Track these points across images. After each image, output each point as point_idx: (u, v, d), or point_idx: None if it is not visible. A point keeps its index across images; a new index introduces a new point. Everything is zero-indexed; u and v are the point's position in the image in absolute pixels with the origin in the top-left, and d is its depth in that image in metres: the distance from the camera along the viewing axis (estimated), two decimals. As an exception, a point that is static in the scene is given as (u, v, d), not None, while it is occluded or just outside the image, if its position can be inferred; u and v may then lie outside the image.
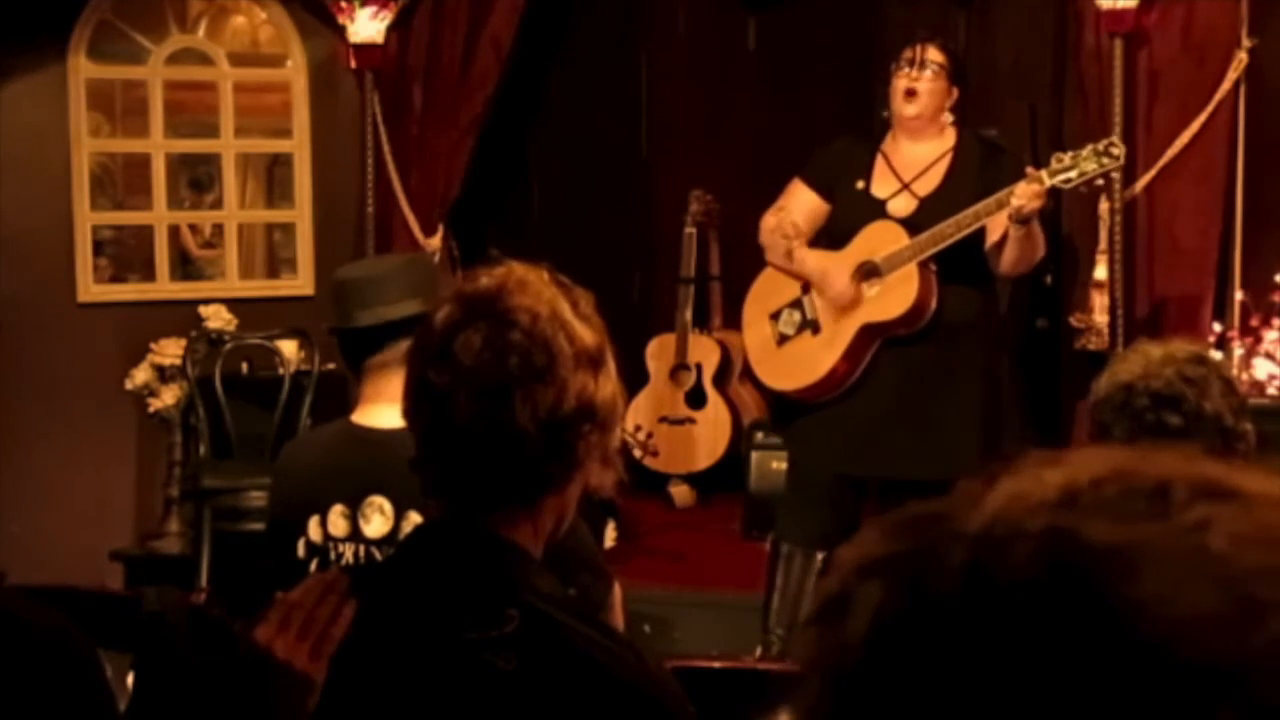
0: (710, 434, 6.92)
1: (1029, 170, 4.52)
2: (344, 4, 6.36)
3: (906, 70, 4.78)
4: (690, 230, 6.98)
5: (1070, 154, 4.57)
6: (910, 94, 4.76)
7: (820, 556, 4.84)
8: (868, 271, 4.74)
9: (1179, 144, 5.68)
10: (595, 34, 7.41)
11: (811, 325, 4.86)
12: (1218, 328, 5.54)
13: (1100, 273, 5.84)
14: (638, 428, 6.76)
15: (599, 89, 7.47)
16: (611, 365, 1.91)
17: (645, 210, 7.52)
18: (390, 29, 6.39)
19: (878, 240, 4.73)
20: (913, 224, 4.68)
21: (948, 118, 4.82)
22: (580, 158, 7.45)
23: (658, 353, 7.00)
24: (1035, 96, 6.56)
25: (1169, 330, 5.37)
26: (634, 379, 6.74)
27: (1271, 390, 5.37)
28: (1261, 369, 5.41)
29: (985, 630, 0.64)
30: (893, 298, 4.69)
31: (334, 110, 6.68)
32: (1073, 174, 4.52)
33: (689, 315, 6.96)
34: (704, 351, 6.96)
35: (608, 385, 1.88)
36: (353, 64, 6.44)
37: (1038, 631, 0.63)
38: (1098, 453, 0.70)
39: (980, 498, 0.69)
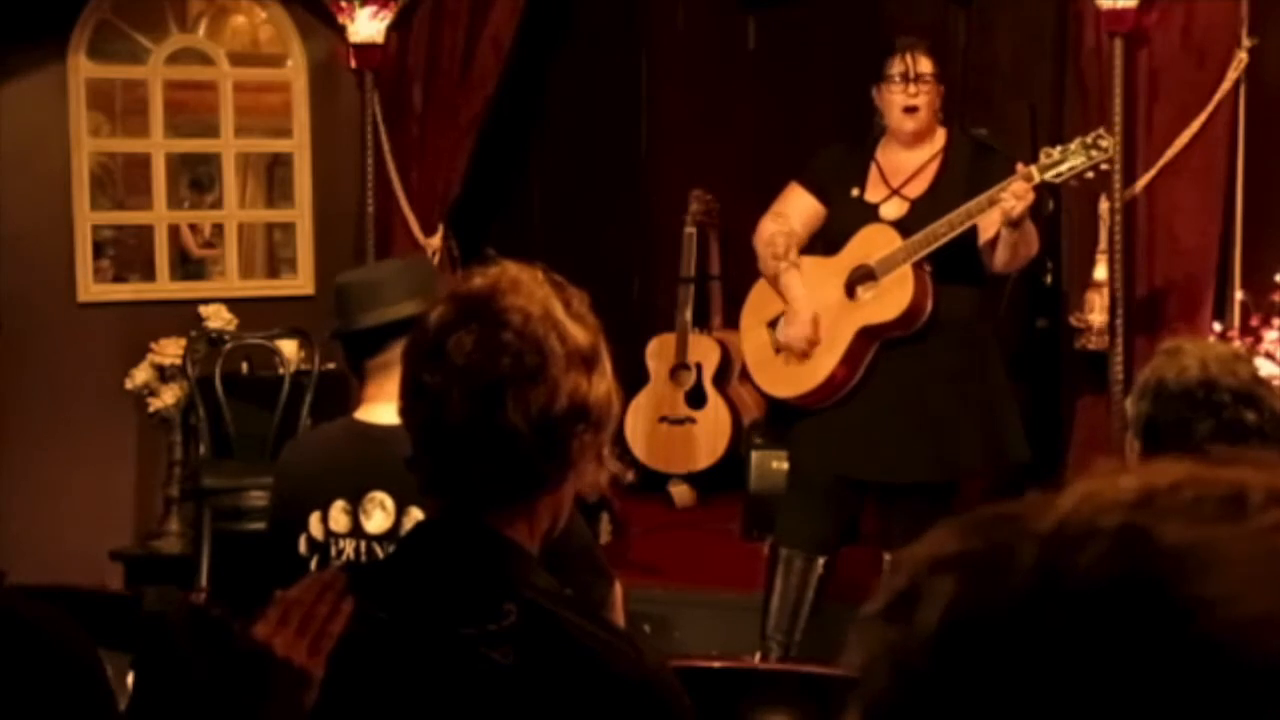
0: (710, 434, 6.91)
1: (1019, 167, 4.53)
2: (344, 4, 6.36)
3: (902, 86, 4.75)
4: (690, 230, 6.98)
5: (1059, 148, 4.58)
6: (910, 110, 4.76)
7: (822, 561, 4.84)
8: (862, 275, 4.76)
9: (1179, 144, 5.67)
10: (595, 34, 7.41)
11: None
12: (1218, 327, 5.53)
13: (1100, 273, 5.84)
14: (628, 452, 6.73)
15: (599, 89, 7.48)
16: (606, 364, 1.91)
17: (645, 210, 7.52)
18: (390, 29, 6.39)
19: (871, 244, 4.74)
20: (904, 227, 4.70)
21: (935, 124, 4.84)
22: (580, 158, 7.45)
23: (658, 352, 7.00)
24: (1035, 96, 6.57)
25: (1169, 331, 5.37)
26: (634, 379, 6.75)
27: (1272, 390, 5.37)
28: (1262, 369, 5.41)
29: (1056, 626, 0.65)
30: (889, 299, 4.69)
31: (334, 110, 6.68)
32: (1063, 168, 4.53)
33: (689, 315, 6.96)
34: (704, 351, 6.96)
35: (601, 385, 1.88)
36: (353, 64, 6.44)
37: (1107, 628, 0.64)
38: (1172, 461, 0.71)
39: (1053, 499, 0.70)
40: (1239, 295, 5.62)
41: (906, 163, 4.80)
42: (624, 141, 7.55)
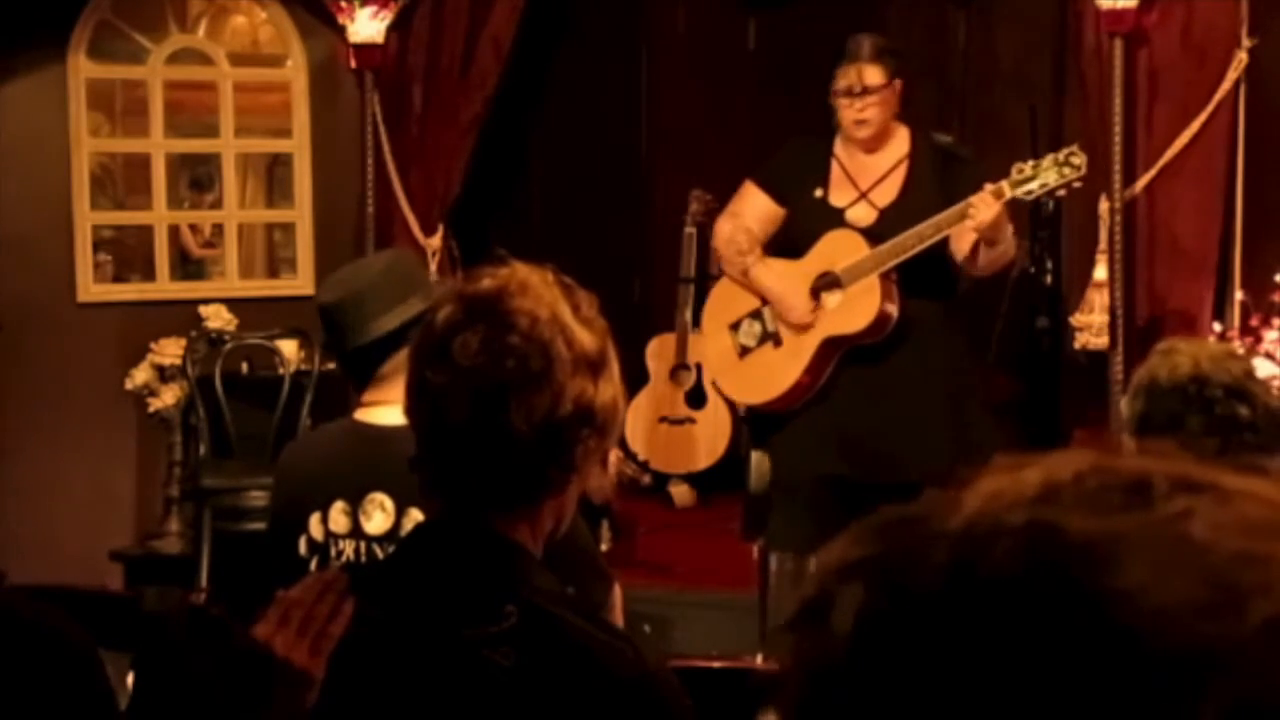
0: (710, 434, 6.91)
1: (988, 185, 4.49)
2: (344, 4, 6.36)
3: (848, 101, 4.69)
4: (690, 230, 6.97)
5: (1031, 164, 4.53)
6: (860, 123, 4.71)
7: (813, 561, 4.84)
8: (828, 282, 4.73)
9: (1179, 144, 5.67)
10: (595, 34, 7.41)
11: (773, 337, 4.85)
12: (1218, 327, 5.53)
13: (1100, 273, 5.84)
14: (635, 455, 6.73)
15: (599, 89, 7.48)
16: (614, 369, 1.90)
17: (645, 210, 7.52)
18: (390, 29, 6.39)
19: (837, 250, 4.70)
20: (873, 234, 4.65)
21: (895, 121, 4.76)
22: (580, 158, 7.45)
23: (658, 352, 7.00)
24: (1035, 96, 6.56)
25: (1169, 330, 5.38)
26: (634, 379, 6.75)
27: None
28: (1262, 369, 5.41)
29: (969, 625, 0.65)
30: (855, 310, 4.67)
31: (334, 110, 6.68)
32: (1033, 185, 4.49)
33: (689, 315, 6.95)
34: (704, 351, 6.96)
35: (608, 390, 1.87)
36: (353, 64, 6.44)
37: (1021, 624, 0.64)
38: (1072, 452, 0.71)
39: (957, 498, 0.69)
40: (1239, 295, 5.62)
41: (871, 165, 4.75)
42: (624, 141, 7.55)
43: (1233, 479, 0.68)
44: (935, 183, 4.64)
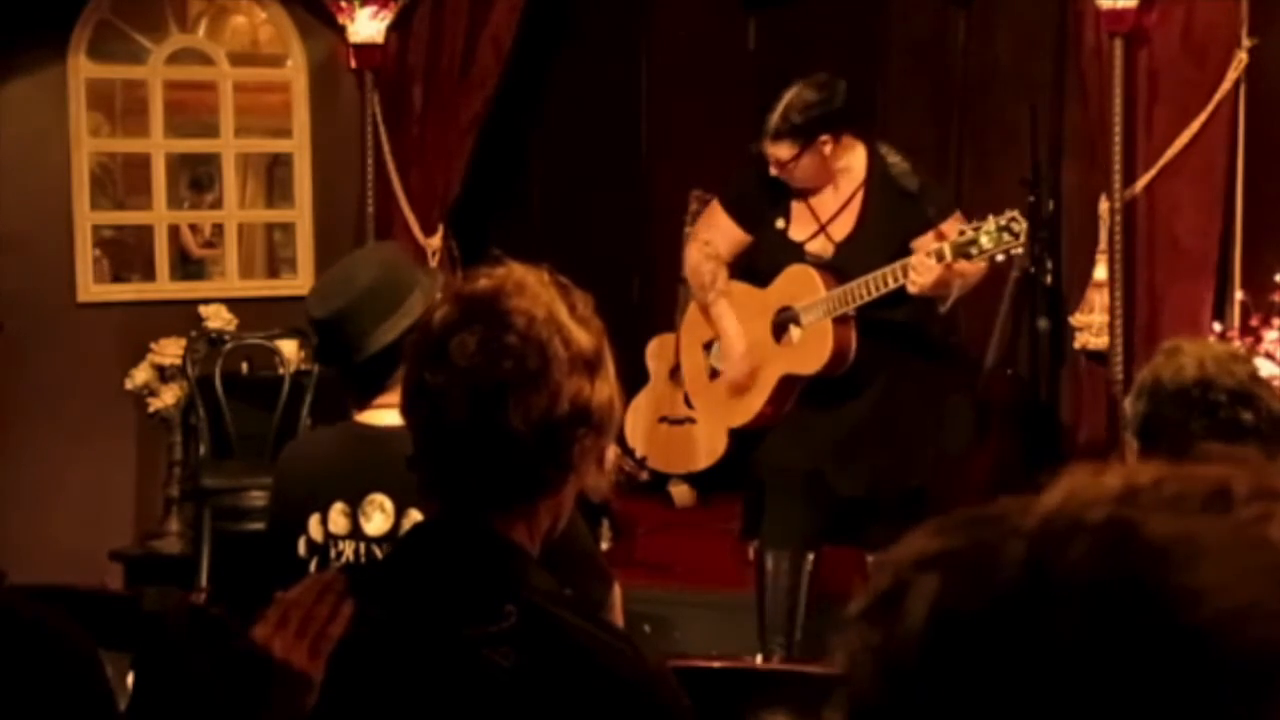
0: (710, 434, 6.91)
1: (931, 247, 4.53)
2: (344, 4, 6.36)
3: (774, 167, 4.76)
4: (690, 230, 6.97)
5: (974, 225, 4.56)
6: (788, 179, 4.78)
7: (810, 557, 4.87)
8: (788, 319, 4.87)
9: (1179, 144, 5.67)
10: (595, 34, 7.41)
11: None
12: (1218, 327, 5.53)
13: (1100, 273, 5.84)
14: (632, 451, 6.74)
15: (599, 89, 7.47)
16: (610, 369, 1.90)
17: (645, 210, 7.52)
18: (390, 29, 6.39)
19: (796, 287, 4.83)
20: (832, 267, 4.78)
21: (842, 149, 4.78)
22: (580, 158, 7.45)
23: (658, 353, 7.00)
24: (1035, 96, 6.56)
25: (1169, 330, 5.37)
26: (634, 379, 6.75)
27: (1272, 390, 5.37)
28: (1262, 369, 5.40)
29: (1046, 620, 0.65)
30: (810, 353, 4.81)
31: (334, 110, 6.68)
32: (972, 250, 4.53)
33: (689, 315, 6.96)
34: (704, 351, 6.96)
35: (604, 389, 1.87)
36: (353, 64, 6.44)
37: (1097, 621, 0.64)
38: (1153, 461, 0.71)
39: (1035, 498, 0.70)
40: (1239, 295, 5.61)
41: (829, 196, 4.83)
42: (624, 142, 7.54)
43: None
44: (888, 214, 4.72)
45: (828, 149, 4.73)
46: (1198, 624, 0.63)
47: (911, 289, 4.49)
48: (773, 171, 4.77)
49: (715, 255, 4.94)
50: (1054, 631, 0.65)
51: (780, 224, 4.84)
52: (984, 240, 4.51)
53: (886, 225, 4.70)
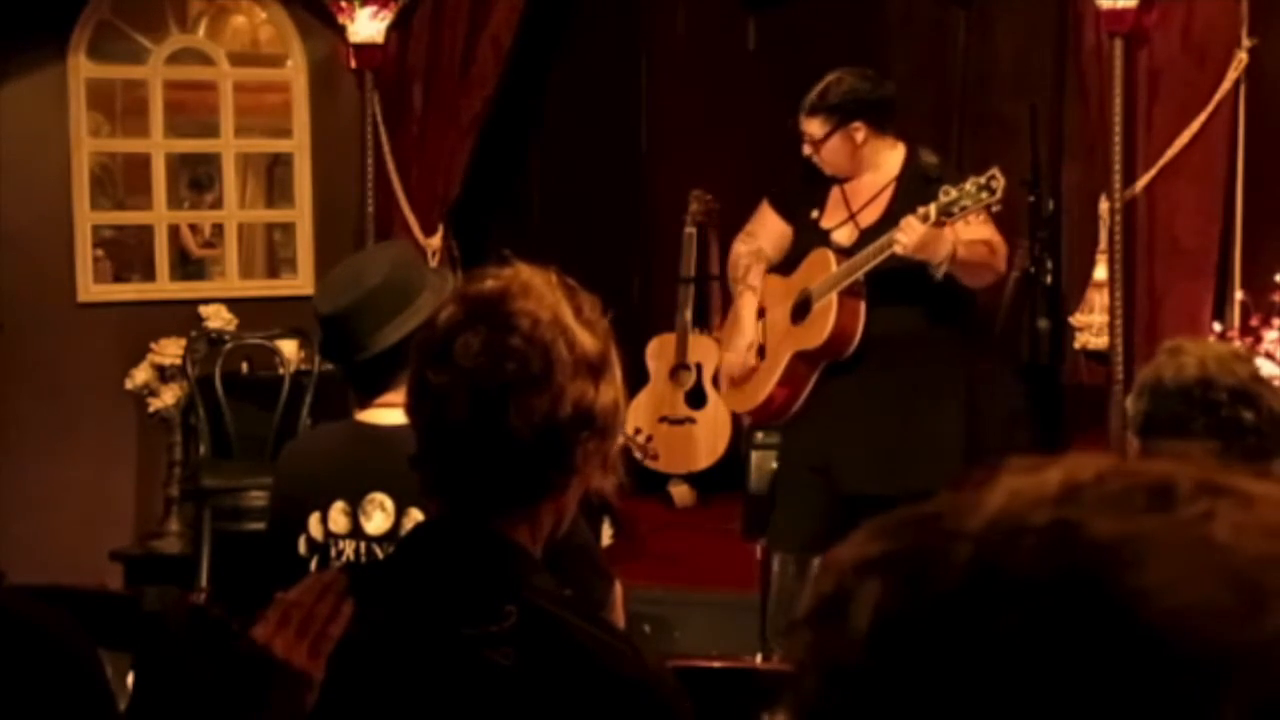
0: (710, 434, 6.92)
1: (918, 209, 4.54)
2: (344, 4, 6.36)
3: (806, 144, 4.81)
4: (690, 230, 6.98)
5: (957, 187, 4.58)
6: (821, 162, 4.82)
7: (816, 561, 4.86)
8: (806, 300, 4.86)
9: (1179, 144, 5.67)
10: (595, 34, 7.41)
11: (761, 350, 4.99)
12: (1218, 327, 5.53)
13: (1100, 273, 5.84)
14: (638, 430, 6.76)
15: (599, 89, 7.47)
16: (615, 371, 1.89)
17: (645, 210, 7.52)
18: (390, 29, 6.39)
19: (813, 269, 4.84)
20: (851, 253, 4.77)
21: (881, 144, 4.81)
22: (580, 158, 7.45)
23: (658, 352, 7.01)
24: (1035, 96, 6.56)
25: (1169, 330, 5.37)
26: (634, 379, 6.75)
27: (1272, 390, 5.36)
28: (1262, 369, 5.40)
29: (991, 624, 0.64)
30: (815, 328, 4.81)
31: (334, 110, 6.68)
32: (954, 209, 4.54)
33: (689, 315, 6.96)
34: (704, 351, 6.96)
35: (609, 392, 1.87)
36: (353, 64, 6.44)
37: (1043, 624, 0.64)
38: (1092, 455, 0.70)
39: (977, 497, 0.69)
40: (1239, 295, 5.62)
41: (864, 187, 4.86)
42: (624, 141, 7.54)
43: (1255, 483, 0.68)
44: (917, 204, 4.70)
45: (860, 136, 4.77)
46: (1145, 626, 0.62)
47: (898, 249, 4.51)
48: (805, 150, 4.82)
49: (756, 250, 4.98)
50: (1002, 634, 0.64)
51: (814, 214, 4.88)
52: (965, 200, 4.54)
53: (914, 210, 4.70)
